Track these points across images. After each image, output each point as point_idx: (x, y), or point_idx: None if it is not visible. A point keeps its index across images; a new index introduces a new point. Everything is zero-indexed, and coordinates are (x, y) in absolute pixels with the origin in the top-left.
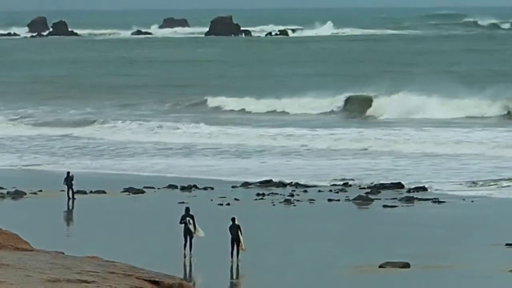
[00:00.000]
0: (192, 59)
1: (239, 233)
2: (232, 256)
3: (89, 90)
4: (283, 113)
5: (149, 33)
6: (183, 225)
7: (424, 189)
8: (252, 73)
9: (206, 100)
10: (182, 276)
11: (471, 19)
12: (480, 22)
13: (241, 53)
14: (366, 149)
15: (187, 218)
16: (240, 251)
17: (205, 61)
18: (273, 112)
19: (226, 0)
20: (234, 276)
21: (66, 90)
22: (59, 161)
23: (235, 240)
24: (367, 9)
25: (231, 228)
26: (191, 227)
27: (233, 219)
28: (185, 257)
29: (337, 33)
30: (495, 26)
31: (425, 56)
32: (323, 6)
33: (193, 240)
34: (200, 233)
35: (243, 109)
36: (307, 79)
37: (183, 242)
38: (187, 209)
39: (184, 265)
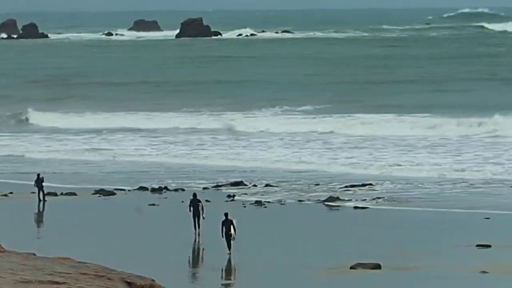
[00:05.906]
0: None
1: (232, 227)
2: (229, 249)
3: None
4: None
5: (121, 35)
6: (192, 209)
7: None
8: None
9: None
10: (190, 255)
11: None
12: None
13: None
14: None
15: (199, 203)
16: (232, 242)
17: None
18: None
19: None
20: (226, 275)
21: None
22: None
23: (229, 234)
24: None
25: (224, 222)
26: (201, 210)
27: (226, 214)
28: (195, 235)
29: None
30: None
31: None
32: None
33: (200, 221)
34: (204, 215)
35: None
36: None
37: (193, 223)
38: (195, 195)
39: (194, 242)
